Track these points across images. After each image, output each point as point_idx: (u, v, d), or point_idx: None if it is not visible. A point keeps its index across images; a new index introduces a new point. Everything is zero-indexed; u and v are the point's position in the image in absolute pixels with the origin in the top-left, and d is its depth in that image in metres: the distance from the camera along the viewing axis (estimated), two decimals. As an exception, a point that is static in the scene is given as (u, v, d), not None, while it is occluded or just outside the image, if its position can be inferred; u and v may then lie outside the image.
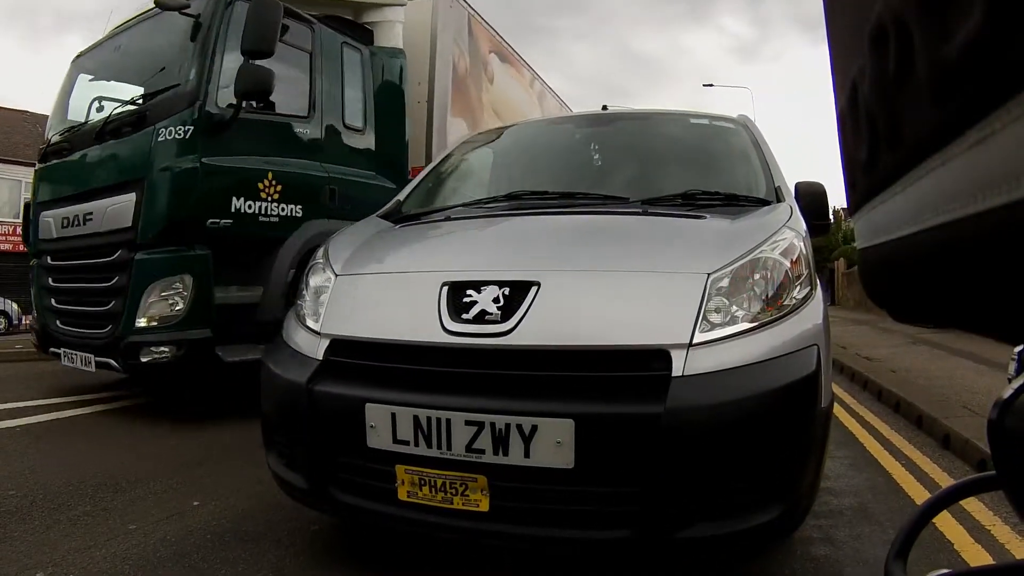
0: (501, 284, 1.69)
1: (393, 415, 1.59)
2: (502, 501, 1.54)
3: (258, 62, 3.79)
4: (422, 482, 1.59)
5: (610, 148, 3.05)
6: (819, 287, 1.94)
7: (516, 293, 1.67)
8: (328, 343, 1.84)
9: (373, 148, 5.02)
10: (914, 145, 0.26)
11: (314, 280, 2.12)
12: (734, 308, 1.67)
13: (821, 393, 1.65)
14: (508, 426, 1.49)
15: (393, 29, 5.37)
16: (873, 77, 0.29)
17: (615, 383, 1.57)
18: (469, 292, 1.70)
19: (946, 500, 0.62)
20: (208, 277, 3.80)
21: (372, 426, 1.62)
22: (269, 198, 4.10)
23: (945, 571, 0.48)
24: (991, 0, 0.19)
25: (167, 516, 2.39)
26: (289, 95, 4.31)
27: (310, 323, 1.94)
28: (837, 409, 4.75)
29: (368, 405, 1.62)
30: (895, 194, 0.29)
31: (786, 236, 1.89)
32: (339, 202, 4.54)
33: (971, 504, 2.55)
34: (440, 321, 1.68)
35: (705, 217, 2.07)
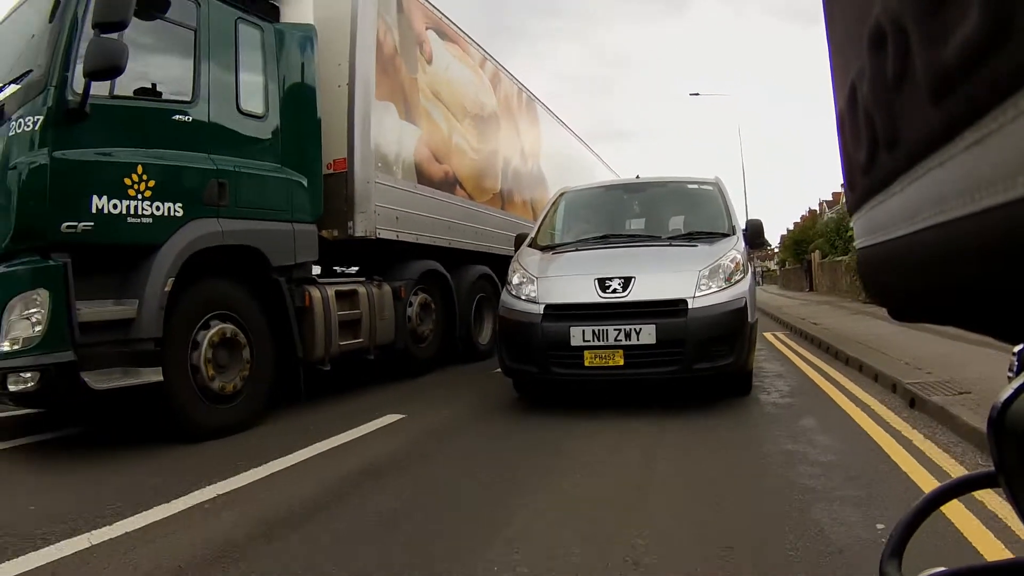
0: (620, 278, 4.22)
1: (583, 331, 4.11)
2: (629, 359, 4.05)
3: (109, 35, 3.32)
4: (595, 356, 4.09)
5: (645, 203, 5.68)
6: (750, 272, 4.48)
7: (626, 280, 4.19)
8: (544, 306, 4.33)
9: (278, 137, 4.50)
10: (912, 146, 0.26)
11: (516, 279, 4.61)
12: (711, 284, 4.19)
13: (748, 315, 4.19)
14: (630, 329, 4.02)
15: (303, 3, 4.89)
16: (872, 79, 0.30)
17: (668, 310, 4.09)
18: (607, 282, 4.22)
19: (942, 498, 0.57)
20: (64, 291, 3.26)
21: (573, 336, 4.12)
22: (139, 195, 3.55)
23: (940, 569, 0.43)
24: (987, 3, 0.19)
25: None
26: (170, 78, 3.85)
27: (532, 297, 4.40)
28: (780, 346, 7.64)
29: (571, 327, 4.13)
30: (894, 194, 0.30)
31: (734, 252, 4.43)
32: (232, 198, 4.04)
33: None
34: (596, 293, 4.20)
35: (696, 245, 4.64)
